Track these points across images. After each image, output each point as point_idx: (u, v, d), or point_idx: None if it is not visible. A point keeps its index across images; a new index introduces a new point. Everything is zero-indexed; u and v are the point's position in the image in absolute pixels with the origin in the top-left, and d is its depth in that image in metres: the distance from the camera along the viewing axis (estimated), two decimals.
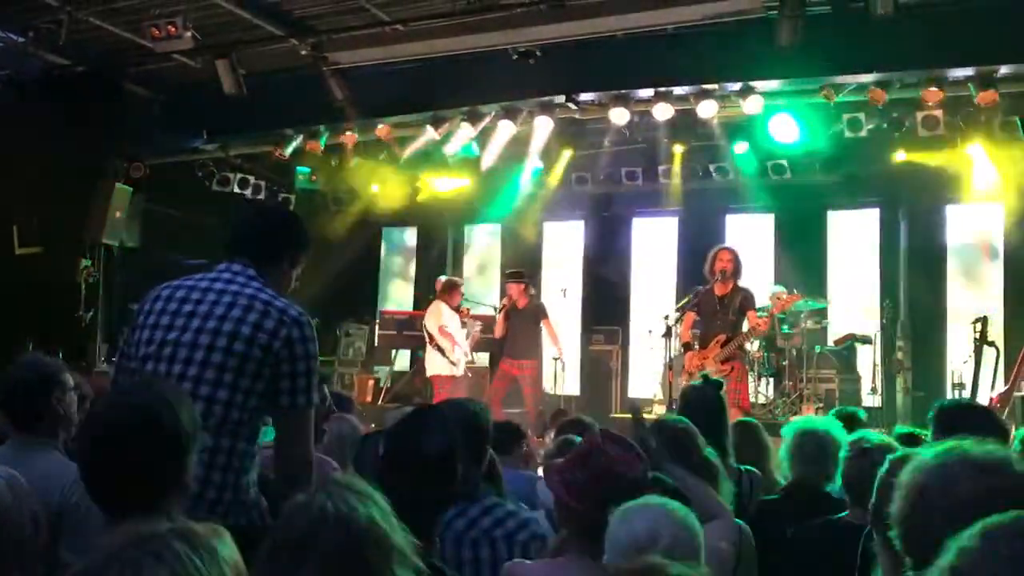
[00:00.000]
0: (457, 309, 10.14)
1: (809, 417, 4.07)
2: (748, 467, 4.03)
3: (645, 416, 3.99)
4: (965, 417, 3.30)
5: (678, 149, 10.71)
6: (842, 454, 3.44)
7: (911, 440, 3.82)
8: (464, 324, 10.34)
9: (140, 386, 2.43)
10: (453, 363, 9.81)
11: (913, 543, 1.67)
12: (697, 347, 8.24)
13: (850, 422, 4.34)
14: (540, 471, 3.73)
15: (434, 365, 9.88)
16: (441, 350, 9.77)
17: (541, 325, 9.97)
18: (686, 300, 8.55)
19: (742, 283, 8.16)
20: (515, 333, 9.90)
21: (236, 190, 11.42)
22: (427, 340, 9.97)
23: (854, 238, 11.54)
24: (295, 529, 1.64)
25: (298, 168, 11.59)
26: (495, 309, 10.81)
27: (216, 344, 2.71)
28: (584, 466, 2.50)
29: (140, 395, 2.14)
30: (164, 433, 2.02)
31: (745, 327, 8.04)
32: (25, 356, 3.22)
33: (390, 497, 1.82)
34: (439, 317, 9.88)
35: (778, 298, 9.07)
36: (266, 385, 2.73)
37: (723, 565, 2.80)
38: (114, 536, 1.32)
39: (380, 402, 11.50)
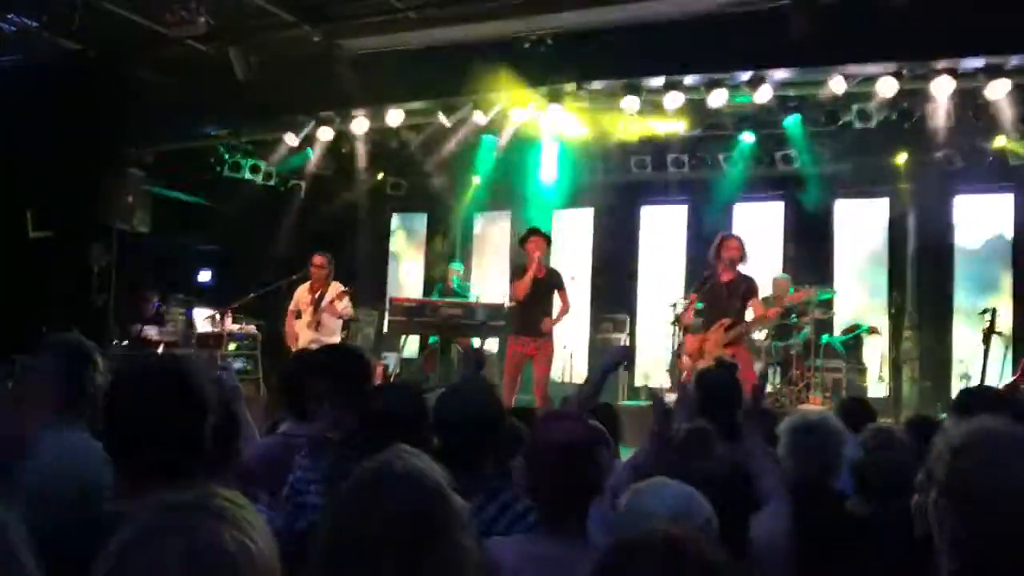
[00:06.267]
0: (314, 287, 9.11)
1: (806, 411, 4.00)
2: None
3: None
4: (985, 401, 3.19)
5: (688, 138, 10.68)
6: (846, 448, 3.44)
7: (923, 424, 3.87)
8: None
9: (167, 357, 2.53)
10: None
11: None
12: (703, 329, 8.19)
13: (859, 410, 4.37)
14: None
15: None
16: None
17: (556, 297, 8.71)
18: (696, 288, 8.54)
19: (744, 271, 8.11)
20: (533, 305, 8.50)
21: (247, 176, 11.49)
22: None
23: (862, 228, 11.54)
24: (360, 489, 1.59)
25: (308, 154, 11.63)
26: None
27: None
28: (533, 445, 2.55)
29: (169, 362, 2.26)
30: (191, 394, 2.11)
31: (749, 315, 7.96)
32: (62, 336, 3.27)
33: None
34: None
35: (785, 288, 9.07)
36: None
37: (775, 555, 2.62)
38: (145, 503, 1.25)
39: None
